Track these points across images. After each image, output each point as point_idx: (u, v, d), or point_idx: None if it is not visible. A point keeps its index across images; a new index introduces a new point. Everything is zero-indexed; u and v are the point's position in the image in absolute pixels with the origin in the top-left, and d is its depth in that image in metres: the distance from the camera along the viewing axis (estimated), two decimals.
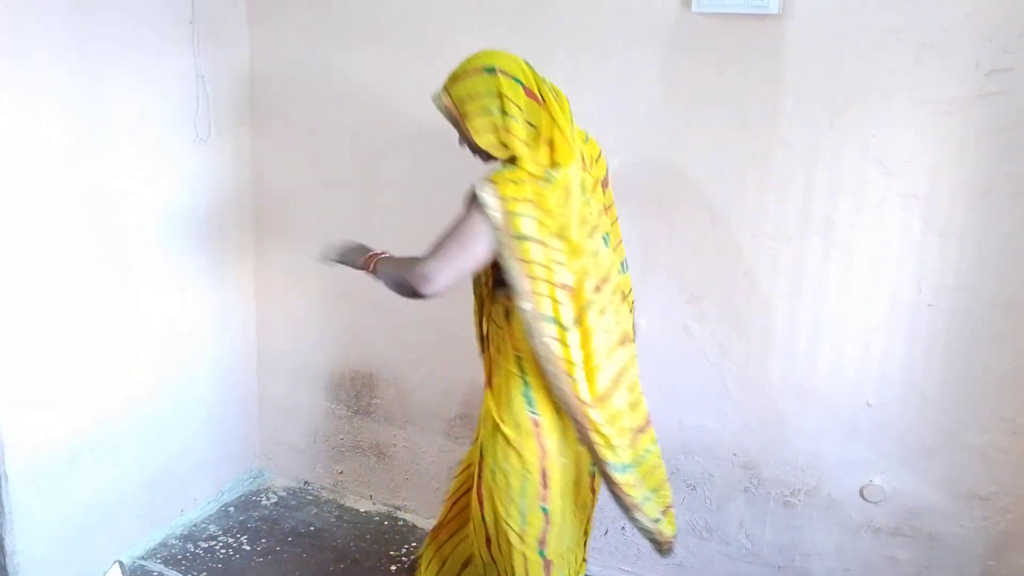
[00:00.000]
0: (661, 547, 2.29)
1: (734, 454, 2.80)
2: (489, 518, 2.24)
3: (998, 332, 2.42)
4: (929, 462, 2.57)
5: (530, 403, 2.16)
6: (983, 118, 2.31)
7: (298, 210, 3.34)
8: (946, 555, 2.61)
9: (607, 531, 3.01)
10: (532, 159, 2.02)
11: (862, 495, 2.66)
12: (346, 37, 3.07)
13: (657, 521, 2.23)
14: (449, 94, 2.07)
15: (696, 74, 2.58)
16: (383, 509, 3.42)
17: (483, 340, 2.32)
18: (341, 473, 3.51)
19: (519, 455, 2.16)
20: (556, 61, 2.69)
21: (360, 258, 2.20)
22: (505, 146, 2.03)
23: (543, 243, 1.99)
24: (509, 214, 1.95)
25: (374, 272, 2.15)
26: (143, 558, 3.04)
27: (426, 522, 3.32)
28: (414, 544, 3.19)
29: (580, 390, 2.06)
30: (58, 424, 2.72)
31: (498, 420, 2.18)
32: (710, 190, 2.64)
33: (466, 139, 2.09)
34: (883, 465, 2.62)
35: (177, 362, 3.16)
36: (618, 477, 2.13)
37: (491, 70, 2.01)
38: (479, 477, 2.26)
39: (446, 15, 2.88)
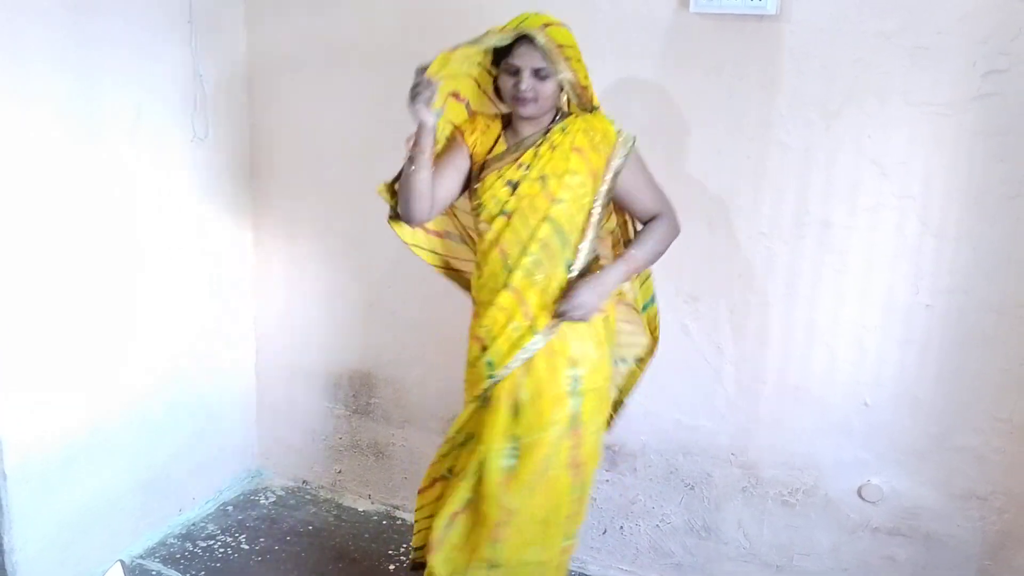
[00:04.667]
0: None
1: (732, 454, 2.80)
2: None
3: (992, 334, 2.43)
4: (925, 462, 2.58)
5: None
6: (978, 120, 2.32)
7: (296, 209, 3.34)
8: (943, 555, 2.62)
9: (605, 531, 3.02)
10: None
11: (860, 495, 2.67)
12: (343, 36, 3.07)
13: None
14: (550, 35, 2.14)
15: (692, 75, 2.59)
16: (381, 508, 3.43)
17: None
18: (339, 472, 3.52)
19: None
20: None
21: (621, 278, 2.30)
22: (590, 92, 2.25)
23: None
24: None
25: (641, 268, 2.34)
26: (141, 557, 3.04)
27: None
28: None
29: None
30: (56, 423, 2.72)
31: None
32: (706, 191, 2.64)
33: (562, 78, 2.17)
34: (880, 465, 2.63)
35: (175, 362, 3.17)
36: None
37: (566, 26, 2.19)
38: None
39: (444, 18, 2.89)
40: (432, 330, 3.17)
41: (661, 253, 2.34)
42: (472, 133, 2.32)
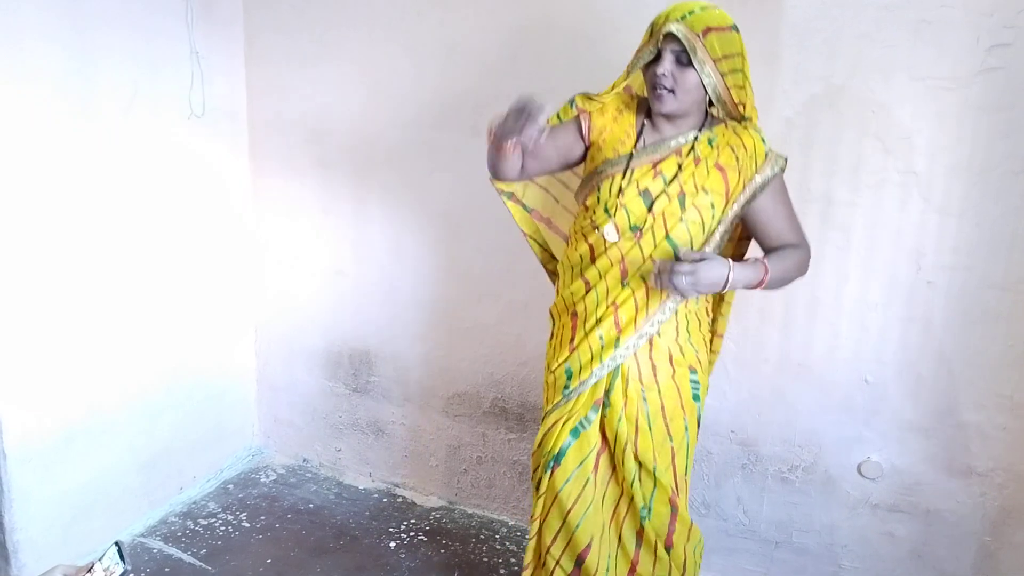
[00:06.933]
0: None
1: (732, 431, 2.80)
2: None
3: (994, 310, 2.42)
4: (926, 439, 2.57)
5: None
6: (982, 95, 2.30)
7: (294, 188, 3.32)
8: (943, 531, 2.62)
9: None
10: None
11: (860, 472, 2.67)
12: (342, 14, 3.04)
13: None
14: (703, 40, 1.94)
15: None
16: (382, 486, 3.44)
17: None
18: (340, 451, 3.52)
19: None
20: (551, 40, 2.68)
21: (747, 281, 1.99)
22: (743, 105, 2.05)
23: None
24: None
25: (766, 286, 2.04)
26: (143, 535, 3.05)
27: (424, 499, 3.34)
28: (413, 521, 3.20)
29: None
30: (57, 403, 2.72)
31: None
32: None
33: (708, 85, 1.99)
34: (880, 442, 2.63)
35: (174, 341, 3.16)
36: None
37: (736, 29, 1.99)
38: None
39: None
40: (431, 308, 3.16)
41: (787, 282, 2.10)
42: (602, 115, 2.16)
